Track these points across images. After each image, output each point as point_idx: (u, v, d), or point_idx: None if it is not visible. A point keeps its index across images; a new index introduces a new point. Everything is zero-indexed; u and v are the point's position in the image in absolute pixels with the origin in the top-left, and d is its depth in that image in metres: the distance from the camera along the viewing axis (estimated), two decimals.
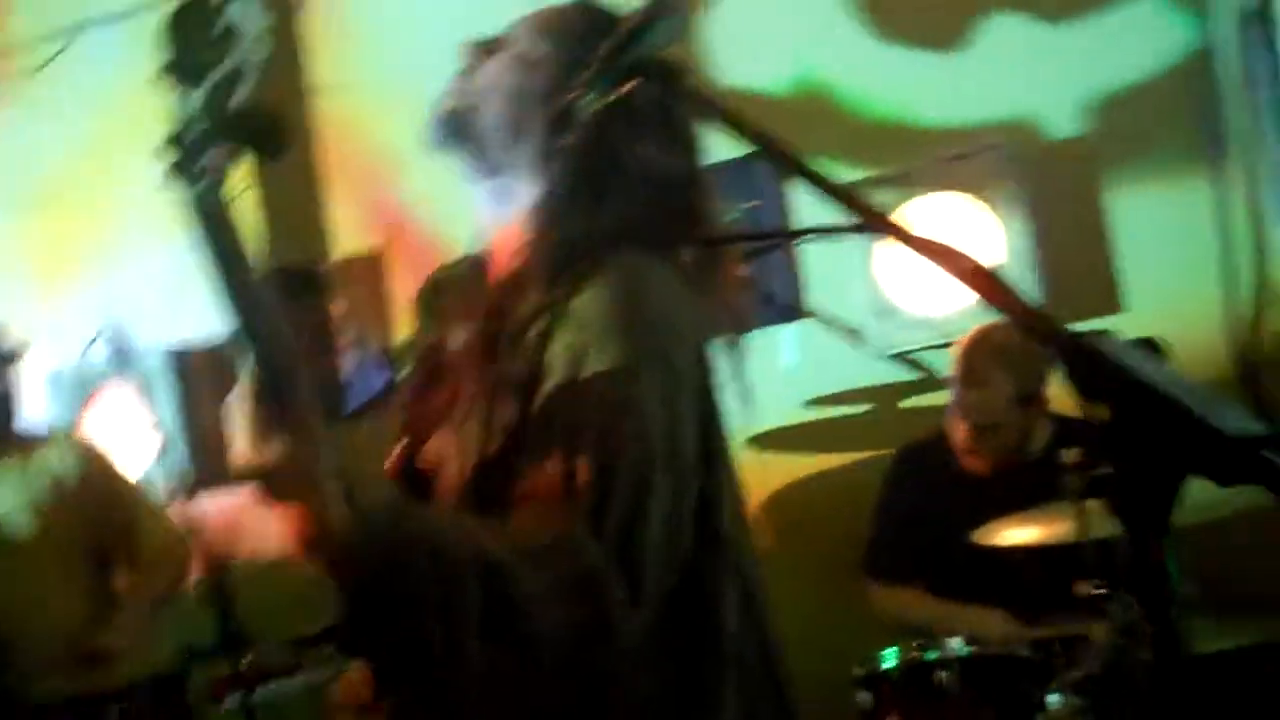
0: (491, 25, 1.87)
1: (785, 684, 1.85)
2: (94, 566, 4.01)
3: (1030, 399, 3.59)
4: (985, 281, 1.23)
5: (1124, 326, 3.97)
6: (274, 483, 1.43)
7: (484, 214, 1.91)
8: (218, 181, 1.40)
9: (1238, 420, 1.08)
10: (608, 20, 1.78)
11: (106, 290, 5.08)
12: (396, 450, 1.87)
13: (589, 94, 1.43)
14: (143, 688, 3.88)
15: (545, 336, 1.70)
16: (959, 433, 3.70)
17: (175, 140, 1.39)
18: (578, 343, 1.67)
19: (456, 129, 1.85)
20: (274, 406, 1.42)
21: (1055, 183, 4.16)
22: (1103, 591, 2.89)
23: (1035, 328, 1.20)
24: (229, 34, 1.38)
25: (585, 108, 1.43)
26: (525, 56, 1.82)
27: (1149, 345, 1.17)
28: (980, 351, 3.63)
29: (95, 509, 4.00)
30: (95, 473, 4.03)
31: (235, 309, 1.41)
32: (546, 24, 1.84)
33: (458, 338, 1.89)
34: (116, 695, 3.78)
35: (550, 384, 1.66)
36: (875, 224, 1.33)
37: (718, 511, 1.76)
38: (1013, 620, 3.47)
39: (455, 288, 2.04)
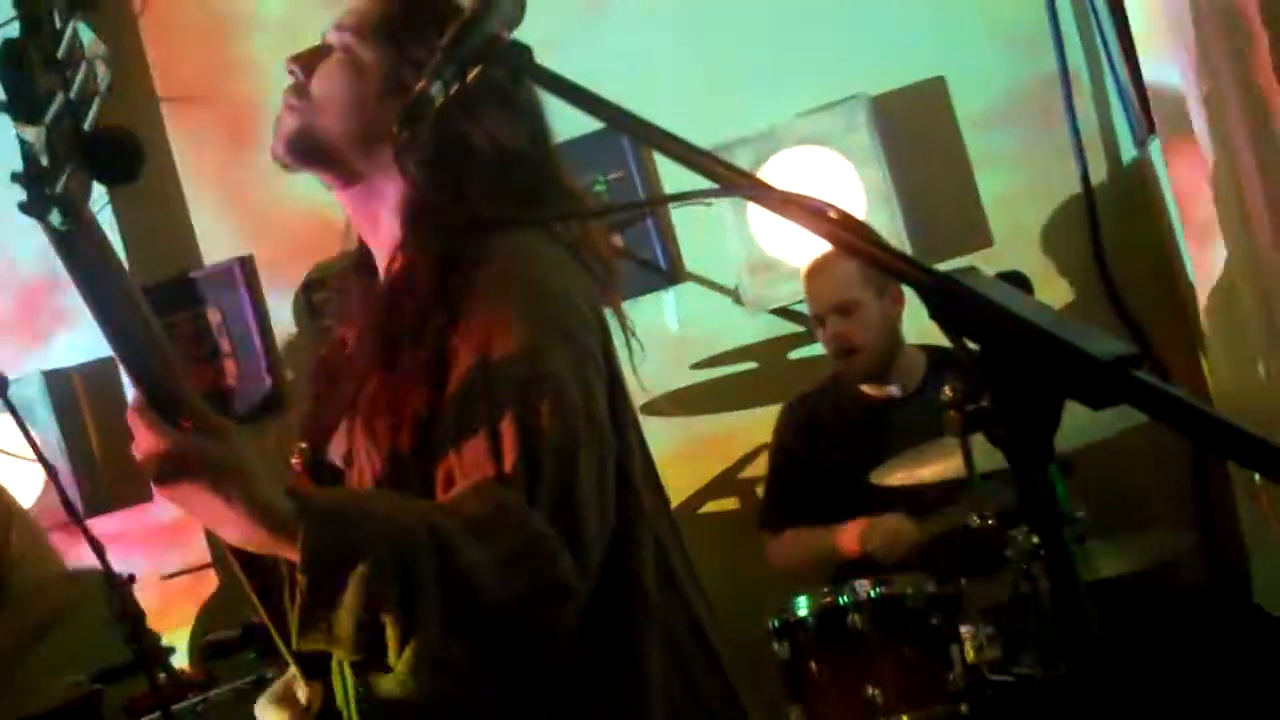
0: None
1: (716, 648, 1.87)
2: None
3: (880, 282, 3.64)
4: (844, 231, 1.24)
5: (994, 261, 4.07)
6: (170, 470, 1.44)
7: (353, 215, 1.90)
8: (74, 209, 1.37)
9: (1105, 344, 1.10)
10: (423, 4, 1.78)
11: None
12: (297, 451, 1.86)
13: (434, 84, 1.42)
14: (57, 714, 3.82)
15: (448, 324, 1.71)
16: (828, 343, 3.76)
17: (25, 175, 1.36)
18: (483, 325, 1.69)
19: (306, 148, 1.84)
20: (163, 411, 1.44)
21: (913, 126, 4.20)
22: (991, 523, 2.97)
23: (900, 270, 1.21)
24: (67, 61, 1.35)
25: (432, 99, 1.42)
26: (355, 62, 1.82)
27: (1014, 278, 1.19)
28: (816, 283, 3.74)
29: None
30: None
31: (109, 327, 1.43)
32: (366, 22, 1.84)
33: (349, 336, 1.90)
34: None
35: (462, 369, 1.68)
36: (734, 185, 1.34)
37: (631, 477, 1.79)
38: (906, 519, 3.52)
39: (335, 286, 2.04)
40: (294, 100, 1.85)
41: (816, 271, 3.76)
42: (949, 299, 1.17)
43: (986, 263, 4.16)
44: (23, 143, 1.35)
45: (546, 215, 1.87)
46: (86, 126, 1.37)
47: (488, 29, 1.47)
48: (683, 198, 1.39)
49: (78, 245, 1.41)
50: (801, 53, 4.25)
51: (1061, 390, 1.11)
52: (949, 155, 4.22)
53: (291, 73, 1.87)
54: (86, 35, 1.36)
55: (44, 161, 1.35)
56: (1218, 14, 2.81)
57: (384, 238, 1.87)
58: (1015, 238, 4.19)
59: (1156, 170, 3.87)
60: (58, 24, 1.35)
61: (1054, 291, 4.08)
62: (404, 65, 1.76)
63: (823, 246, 3.93)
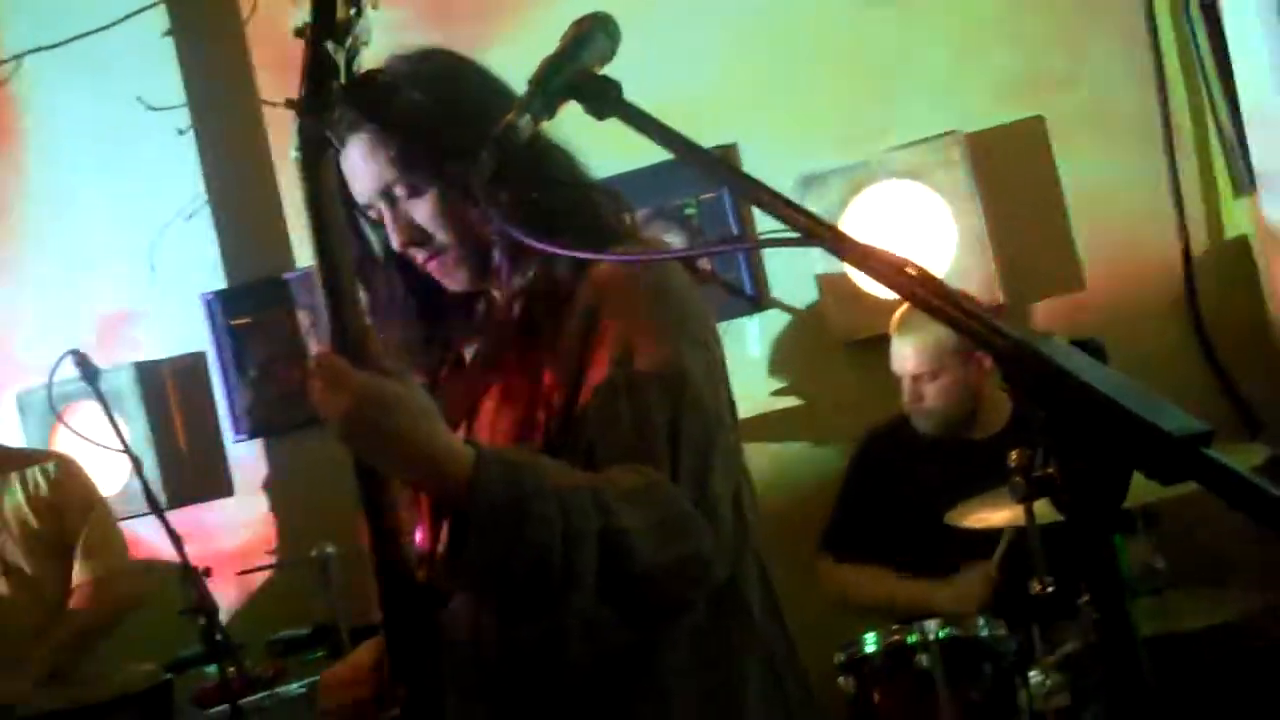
0: None
1: (804, 675, 1.93)
2: (59, 582, 4.04)
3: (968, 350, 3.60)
4: (921, 288, 1.24)
5: (1085, 305, 4.03)
6: (354, 408, 1.50)
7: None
8: (335, 129, 1.55)
9: (1178, 420, 1.09)
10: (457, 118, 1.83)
11: (73, 309, 5.07)
12: None
13: (523, 117, 1.44)
14: (129, 700, 3.89)
15: (586, 333, 1.78)
16: (906, 397, 3.73)
17: (311, 81, 1.52)
18: (621, 327, 1.76)
19: (481, 275, 1.89)
20: (349, 355, 1.54)
21: (1009, 164, 4.17)
22: (1051, 591, 2.93)
23: (975, 331, 1.21)
24: (358, 6, 1.55)
25: (520, 131, 1.44)
26: (432, 199, 1.85)
27: (1091, 346, 1.18)
28: (903, 344, 3.71)
29: (68, 522, 4.04)
30: (66, 486, 4.06)
31: (324, 259, 1.57)
32: (408, 161, 1.85)
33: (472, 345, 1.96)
34: (101, 710, 3.79)
35: (601, 366, 1.75)
36: (813, 234, 1.33)
37: (740, 495, 1.83)
38: (980, 576, 3.48)
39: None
40: (431, 253, 1.88)
41: (905, 330, 3.71)
42: (1021, 364, 1.16)
43: (1078, 306, 4.13)
44: (321, 55, 1.51)
45: (632, 254, 1.90)
46: (354, 68, 1.56)
47: (579, 63, 1.48)
48: (760, 244, 1.39)
49: (324, 167, 1.55)
50: (899, 85, 4.24)
51: (1130, 463, 1.10)
52: (1044, 196, 4.18)
53: (377, 201, 1.88)
54: None
55: (334, 81, 1.52)
56: None
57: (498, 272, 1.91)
58: (1108, 282, 4.14)
59: (1256, 221, 3.81)
60: None
61: (1144, 338, 4.03)
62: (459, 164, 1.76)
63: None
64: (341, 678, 2.02)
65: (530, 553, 1.53)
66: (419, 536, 1.58)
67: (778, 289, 4.40)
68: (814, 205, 4.14)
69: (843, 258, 1.30)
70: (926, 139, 4.12)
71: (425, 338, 1.97)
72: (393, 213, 1.87)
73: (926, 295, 1.24)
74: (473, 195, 1.72)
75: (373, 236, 1.93)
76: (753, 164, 4.35)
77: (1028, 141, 4.18)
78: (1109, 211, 4.14)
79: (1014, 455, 1.86)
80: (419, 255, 1.88)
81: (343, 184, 1.85)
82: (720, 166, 1.42)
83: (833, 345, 4.28)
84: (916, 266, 1.28)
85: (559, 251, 1.74)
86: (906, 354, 3.71)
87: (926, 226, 4.08)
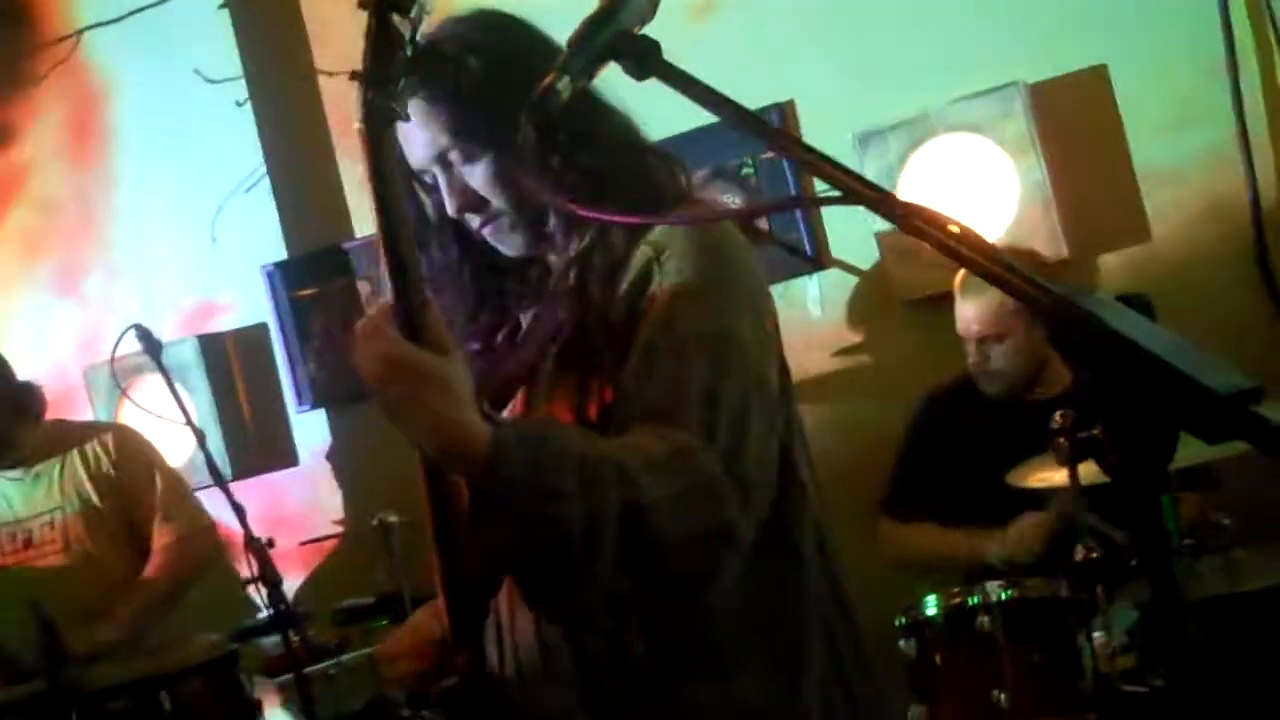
0: None
1: (861, 630, 1.90)
2: (132, 552, 4.09)
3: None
4: (965, 246, 1.21)
5: (1151, 256, 3.96)
6: (391, 377, 1.50)
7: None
8: (400, 97, 1.54)
9: (1225, 377, 1.06)
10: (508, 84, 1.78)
11: (136, 284, 5.12)
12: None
13: (561, 79, 1.42)
14: (194, 671, 3.93)
15: (639, 298, 1.77)
16: (970, 359, 3.69)
17: (374, 52, 1.52)
18: (673, 289, 1.74)
19: (538, 242, 1.88)
20: (403, 322, 1.54)
21: (1072, 115, 4.10)
22: (1095, 556, 2.89)
23: (1019, 289, 1.18)
24: None
25: (559, 93, 1.42)
26: (491, 165, 1.83)
27: (1137, 302, 1.15)
28: (967, 306, 3.67)
29: (133, 493, 4.08)
30: (127, 456, 4.11)
31: (387, 225, 1.57)
32: (465, 130, 1.83)
33: (528, 311, 1.94)
34: (168, 679, 3.83)
35: (649, 328, 1.74)
36: (856, 194, 1.31)
37: (791, 451, 1.82)
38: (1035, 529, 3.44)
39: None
40: (486, 219, 1.87)
41: (970, 292, 3.67)
42: (1067, 322, 1.14)
43: (1143, 258, 4.06)
44: (386, 26, 1.52)
45: (690, 215, 1.89)
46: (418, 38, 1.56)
47: (618, 24, 1.46)
48: (801, 204, 1.36)
49: (388, 138, 1.54)
50: (959, 36, 4.17)
51: (1176, 422, 1.08)
52: (1108, 147, 4.10)
53: (434, 167, 1.88)
54: None
55: (401, 52, 1.52)
56: None
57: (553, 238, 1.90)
58: (1174, 233, 4.06)
59: None
60: None
61: (1211, 290, 3.96)
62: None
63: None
64: (401, 647, 2.03)
65: (550, 530, 1.51)
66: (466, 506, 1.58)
67: (838, 248, 4.36)
68: (873, 161, 4.11)
69: (886, 216, 1.28)
70: (987, 91, 4.06)
71: (480, 304, 1.96)
72: (448, 178, 1.86)
73: (971, 253, 1.22)
74: (526, 161, 1.71)
75: (427, 202, 1.92)
76: (810, 120, 4.31)
77: (1091, 91, 4.09)
78: (1175, 161, 4.05)
79: (1057, 417, 1.83)
80: (474, 221, 1.88)
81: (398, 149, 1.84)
82: (764, 127, 1.39)
83: (893, 304, 4.24)
84: (961, 224, 1.26)
85: (607, 218, 1.73)
86: (971, 316, 3.67)
87: (987, 181, 4.03)
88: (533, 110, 1.45)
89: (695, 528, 1.60)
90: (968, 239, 1.24)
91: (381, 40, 1.53)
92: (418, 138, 1.84)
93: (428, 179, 1.89)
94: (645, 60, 1.45)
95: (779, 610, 1.81)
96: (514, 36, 1.88)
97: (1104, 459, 1.14)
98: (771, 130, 1.38)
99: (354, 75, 1.55)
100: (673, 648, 1.77)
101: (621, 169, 1.84)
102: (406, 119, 1.58)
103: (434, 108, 1.83)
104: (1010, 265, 1.22)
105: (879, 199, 1.32)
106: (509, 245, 1.89)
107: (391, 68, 1.53)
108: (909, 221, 1.26)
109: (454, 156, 1.85)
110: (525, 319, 1.96)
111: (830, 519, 1.90)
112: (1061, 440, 1.12)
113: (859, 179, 1.34)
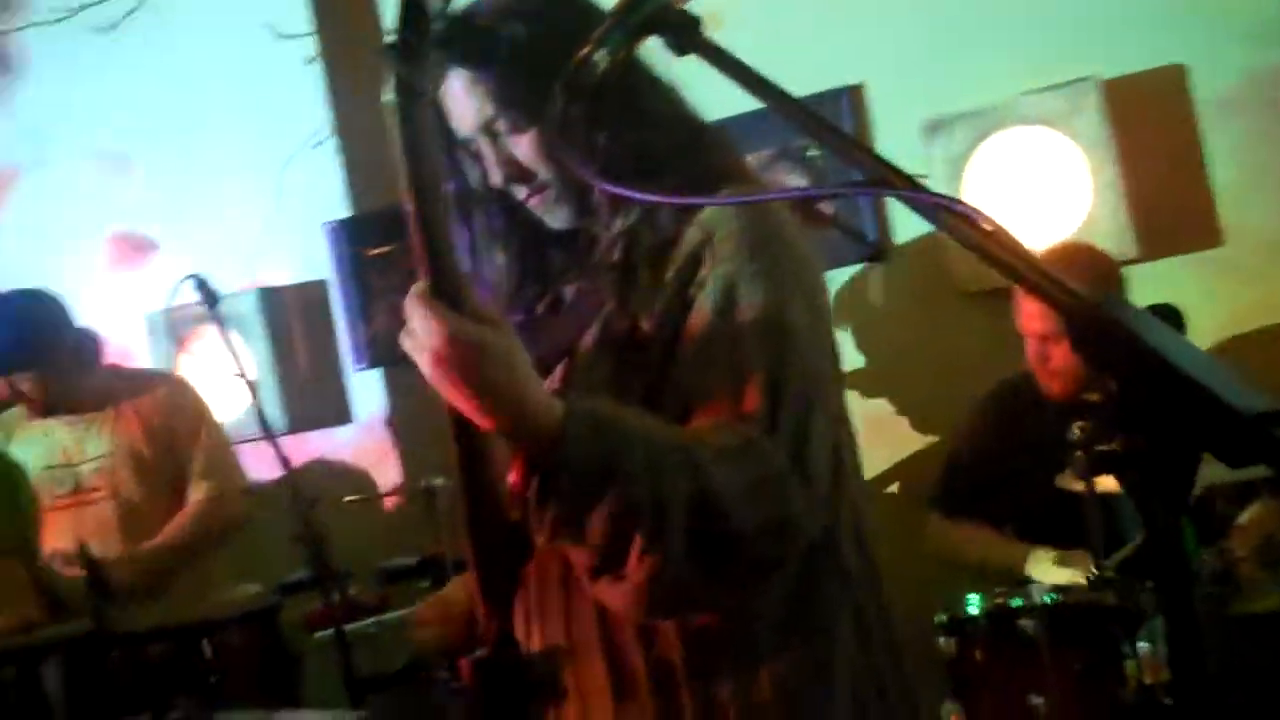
0: None
1: (898, 632, 1.87)
2: (174, 503, 4.13)
3: None
4: (993, 244, 1.18)
5: (1222, 260, 3.88)
6: (446, 351, 1.45)
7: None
8: (431, 72, 1.49)
9: (1249, 397, 1.02)
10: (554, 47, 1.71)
11: (197, 234, 5.15)
12: None
13: (599, 51, 1.39)
14: (235, 621, 3.96)
15: (689, 279, 1.74)
16: (1031, 357, 3.63)
17: (407, 25, 1.46)
18: (726, 273, 1.72)
19: (584, 208, 1.85)
20: (444, 298, 1.47)
21: (1147, 113, 4.01)
22: (1110, 577, 2.83)
23: (1045, 292, 1.15)
24: None
25: (596, 66, 1.39)
26: (539, 136, 1.80)
27: (1166, 313, 1.11)
28: (1028, 301, 3.59)
29: (178, 445, 4.12)
30: (178, 408, 4.14)
31: (420, 202, 1.48)
32: (513, 101, 1.80)
33: (571, 285, 1.91)
34: (209, 627, 3.87)
35: (703, 312, 1.72)
36: (888, 184, 1.27)
37: (840, 449, 1.80)
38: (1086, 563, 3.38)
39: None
40: (532, 190, 1.84)
41: None
42: (1093, 330, 1.09)
43: (1214, 262, 3.97)
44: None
45: (734, 197, 1.85)
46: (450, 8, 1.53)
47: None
48: (821, 194, 1.33)
49: (420, 112, 1.49)
50: (1033, 27, 4.09)
51: (1198, 441, 1.03)
52: (1183, 147, 4.02)
53: (479, 140, 1.85)
54: None
55: (435, 23, 1.48)
56: None
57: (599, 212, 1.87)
58: (1247, 238, 3.98)
59: None
60: None
61: None
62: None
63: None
64: (435, 615, 2.03)
65: (616, 511, 1.50)
66: (513, 477, 1.55)
67: (901, 236, 4.30)
68: (939, 151, 4.04)
69: (914, 207, 1.25)
70: (1060, 84, 3.98)
71: (523, 275, 1.94)
72: (494, 148, 1.84)
73: (998, 251, 1.18)
74: (569, 136, 1.68)
75: (472, 171, 1.90)
76: (879, 106, 4.26)
77: (1167, 89, 4.01)
78: (1249, 164, 3.96)
79: (1077, 429, 1.77)
80: (520, 192, 1.86)
81: (442, 117, 1.82)
82: (803, 112, 1.35)
83: (955, 295, 4.18)
84: (995, 223, 1.22)
85: (644, 198, 1.70)
86: (1034, 313, 3.60)
87: (1058, 176, 3.95)
88: (568, 83, 1.42)
89: (765, 520, 1.59)
90: (999, 238, 1.20)
91: (410, 12, 1.51)
92: (464, 106, 1.82)
93: (473, 148, 1.87)
94: (685, 35, 1.42)
95: (815, 606, 1.79)
96: (560, 5, 1.85)
97: (1123, 474, 1.10)
98: (812, 115, 1.35)
99: (383, 49, 1.52)
100: (702, 630, 1.76)
101: (672, 145, 1.81)
102: (433, 94, 1.55)
103: (480, 75, 1.81)
104: (1039, 268, 1.18)
105: (909, 188, 1.28)
106: (555, 217, 1.87)
107: (423, 41, 1.50)
108: (938, 216, 1.22)
109: (500, 126, 1.83)
110: (568, 292, 1.93)
111: (868, 502, 1.89)
112: (1079, 454, 1.08)
113: (892, 167, 1.30)
